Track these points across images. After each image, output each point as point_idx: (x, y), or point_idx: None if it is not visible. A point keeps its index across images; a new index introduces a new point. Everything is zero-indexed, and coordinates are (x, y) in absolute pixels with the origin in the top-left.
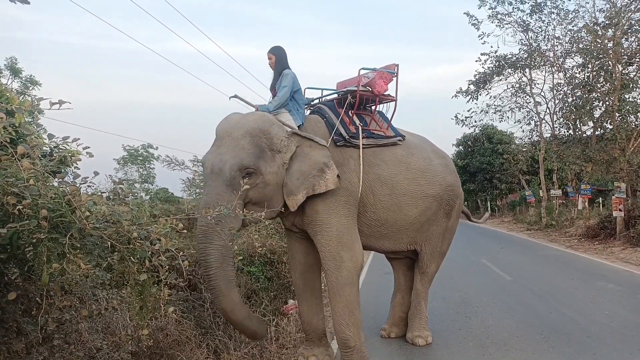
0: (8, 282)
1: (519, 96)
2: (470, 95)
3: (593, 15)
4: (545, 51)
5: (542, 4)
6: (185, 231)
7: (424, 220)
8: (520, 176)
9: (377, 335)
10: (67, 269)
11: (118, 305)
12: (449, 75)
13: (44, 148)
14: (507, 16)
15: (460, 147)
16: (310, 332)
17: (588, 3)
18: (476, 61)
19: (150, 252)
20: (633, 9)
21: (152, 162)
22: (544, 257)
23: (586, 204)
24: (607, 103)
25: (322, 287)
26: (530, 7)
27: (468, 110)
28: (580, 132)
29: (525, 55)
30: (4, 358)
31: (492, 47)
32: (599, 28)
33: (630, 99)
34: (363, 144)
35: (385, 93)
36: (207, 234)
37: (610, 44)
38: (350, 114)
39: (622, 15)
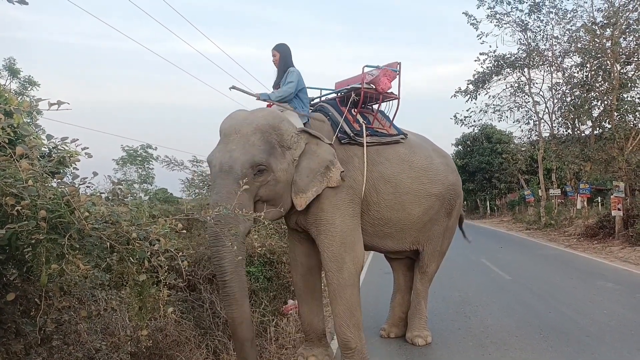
0: (7, 282)
1: (518, 96)
2: (469, 95)
3: (591, 14)
4: (544, 51)
5: (541, 4)
6: (184, 231)
7: (427, 219)
8: (519, 176)
9: (376, 335)
10: (66, 270)
11: (117, 306)
12: (448, 75)
13: (43, 149)
14: (505, 16)
15: (460, 147)
16: (310, 332)
17: (586, 3)
18: (475, 61)
19: (149, 253)
20: (631, 8)
21: (151, 162)
22: (543, 256)
23: (585, 203)
24: (606, 102)
25: (322, 287)
26: (529, 7)
27: (467, 110)
28: (578, 132)
29: (524, 55)
30: (3, 359)
31: (490, 46)
32: (597, 27)
33: (629, 98)
34: (367, 142)
35: (389, 91)
36: (219, 236)
37: (608, 44)
38: (354, 112)
39: (620, 14)
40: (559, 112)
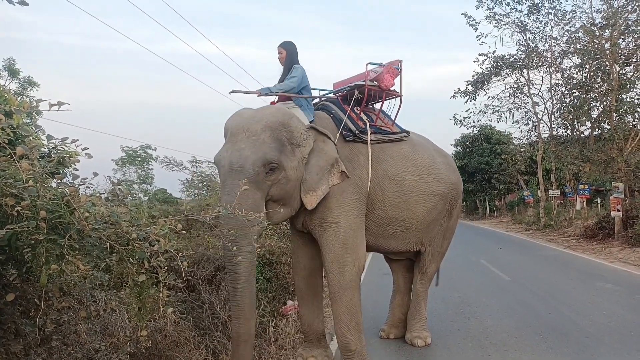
0: (6, 283)
1: (517, 96)
2: (468, 96)
3: (590, 15)
4: (543, 52)
5: (540, 5)
6: (184, 232)
7: (430, 219)
8: (518, 176)
9: (376, 336)
10: (65, 270)
11: (117, 307)
12: (447, 76)
13: (43, 149)
14: (504, 17)
15: (459, 148)
16: (310, 333)
17: (585, 4)
18: (474, 62)
19: (149, 253)
20: (630, 9)
21: (150, 162)
22: (543, 257)
23: (584, 204)
24: (605, 103)
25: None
26: (528, 8)
27: (466, 111)
28: (578, 133)
29: (523, 56)
30: (2, 359)
31: (490, 47)
32: (596, 29)
33: (628, 99)
34: (371, 140)
35: (392, 89)
36: (235, 240)
37: (607, 45)
38: (357, 110)
39: (619, 15)
40: (558, 113)
